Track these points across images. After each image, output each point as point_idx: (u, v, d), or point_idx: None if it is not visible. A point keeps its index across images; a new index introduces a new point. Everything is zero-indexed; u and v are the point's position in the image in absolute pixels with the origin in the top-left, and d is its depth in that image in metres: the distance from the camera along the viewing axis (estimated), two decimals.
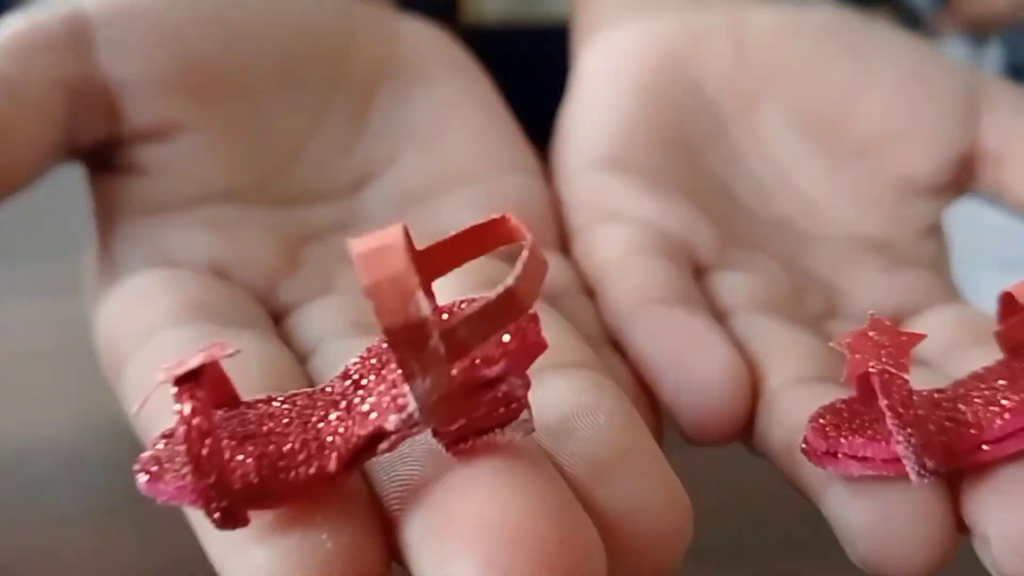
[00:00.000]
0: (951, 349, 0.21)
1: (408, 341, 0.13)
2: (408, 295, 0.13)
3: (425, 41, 0.27)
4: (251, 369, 0.17)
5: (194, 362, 0.14)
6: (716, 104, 0.26)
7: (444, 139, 0.25)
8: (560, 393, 0.17)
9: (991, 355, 0.18)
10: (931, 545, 0.16)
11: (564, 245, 0.25)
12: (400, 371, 0.14)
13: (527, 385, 0.15)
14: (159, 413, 0.16)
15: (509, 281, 0.14)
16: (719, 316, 0.21)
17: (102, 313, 0.20)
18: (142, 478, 0.14)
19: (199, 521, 0.15)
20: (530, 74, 0.31)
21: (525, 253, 0.14)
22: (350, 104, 0.25)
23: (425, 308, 0.13)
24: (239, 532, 0.14)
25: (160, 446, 0.15)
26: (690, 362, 0.19)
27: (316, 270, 0.22)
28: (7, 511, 0.24)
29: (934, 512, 0.16)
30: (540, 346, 0.15)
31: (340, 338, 0.20)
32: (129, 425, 0.18)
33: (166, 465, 0.14)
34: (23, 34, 0.22)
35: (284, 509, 0.14)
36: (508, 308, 0.14)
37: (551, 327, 0.19)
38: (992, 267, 0.31)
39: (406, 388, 0.14)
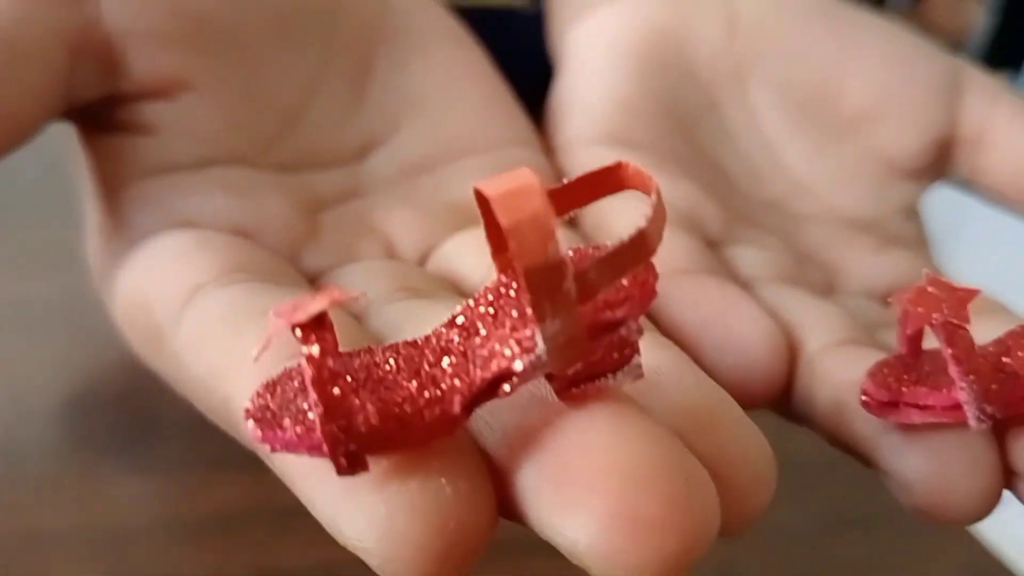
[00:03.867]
0: None
1: (544, 282, 0.13)
2: (548, 236, 0.13)
3: (415, 5, 0.27)
4: None
5: (318, 304, 0.14)
6: (708, 81, 0.27)
7: (447, 109, 0.25)
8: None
9: (999, 327, 0.19)
10: (985, 492, 0.17)
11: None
12: (528, 313, 0.14)
13: (641, 331, 0.15)
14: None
15: (641, 224, 0.14)
16: (742, 287, 0.22)
17: (124, 280, 0.19)
18: (253, 428, 0.14)
19: (299, 472, 0.15)
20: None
21: (653, 197, 0.14)
22: (348, 68, 0.25)
23: (562, 249, 0.13)
24: (353, 480, 0.14)
25: (266, 395, 0.14)
26: (730, 326, 0.20)
27: (336, 238, 0.22)
28: None
29: (988, 459, 0.17)
30: (654, 292, 0.15)
31: (391, 302, 0.19)
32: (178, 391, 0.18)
33: (281, 412, 0.14)
34: None
35: (399, 456, 0.14)
36: (639, 250, 0.14)
37: None
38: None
39: (532, 331, 0.14)
